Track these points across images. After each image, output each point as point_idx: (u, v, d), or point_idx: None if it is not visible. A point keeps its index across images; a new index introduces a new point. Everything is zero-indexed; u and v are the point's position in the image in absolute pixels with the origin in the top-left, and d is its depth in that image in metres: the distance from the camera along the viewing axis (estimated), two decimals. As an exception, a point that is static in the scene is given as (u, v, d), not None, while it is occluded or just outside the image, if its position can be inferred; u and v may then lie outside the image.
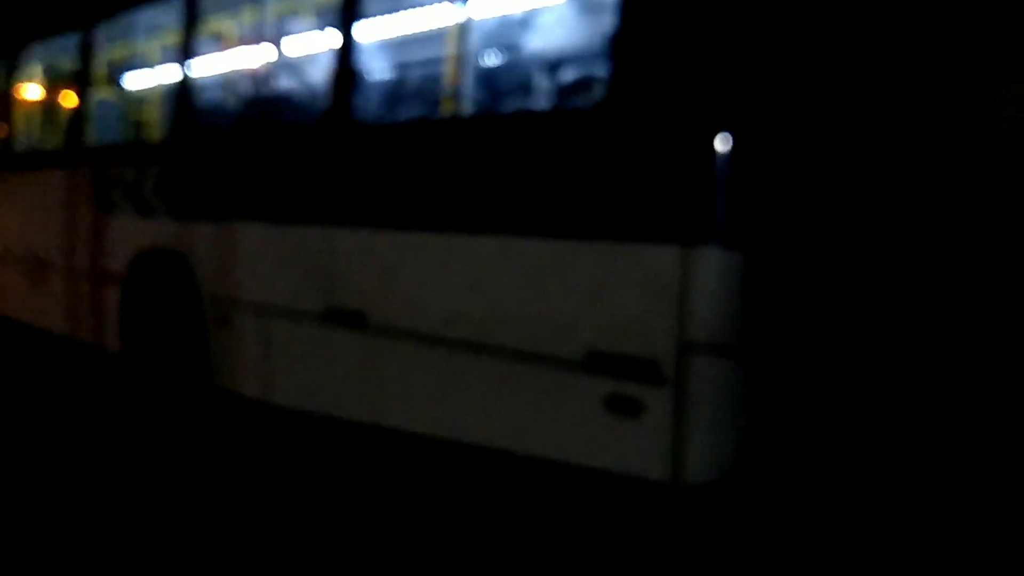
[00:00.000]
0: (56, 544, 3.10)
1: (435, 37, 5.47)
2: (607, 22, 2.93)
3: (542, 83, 3.52)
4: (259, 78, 4.88)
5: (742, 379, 2.66)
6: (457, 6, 3.73)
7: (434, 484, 3.77)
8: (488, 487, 3.68)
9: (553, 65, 4.99)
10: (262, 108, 4.80)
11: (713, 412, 2.67)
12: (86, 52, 5.95)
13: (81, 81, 6.02)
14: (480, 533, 3.32)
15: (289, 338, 4.15)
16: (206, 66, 5.82)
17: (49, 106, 7.48)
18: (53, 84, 7.25)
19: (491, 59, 4.98)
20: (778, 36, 2.71)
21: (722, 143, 2.59)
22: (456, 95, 3.63)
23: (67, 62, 7.20)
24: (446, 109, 3.77)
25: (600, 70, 3.02)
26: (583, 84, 4.22)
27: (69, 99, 6.96)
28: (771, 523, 2.93)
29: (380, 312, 3.66)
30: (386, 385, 3.69)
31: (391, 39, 5.51)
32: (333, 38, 3.98)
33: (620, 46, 2.85)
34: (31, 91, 7.66)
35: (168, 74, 5.38)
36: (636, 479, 2.78)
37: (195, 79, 4.97)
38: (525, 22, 3.89)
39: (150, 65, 6.95)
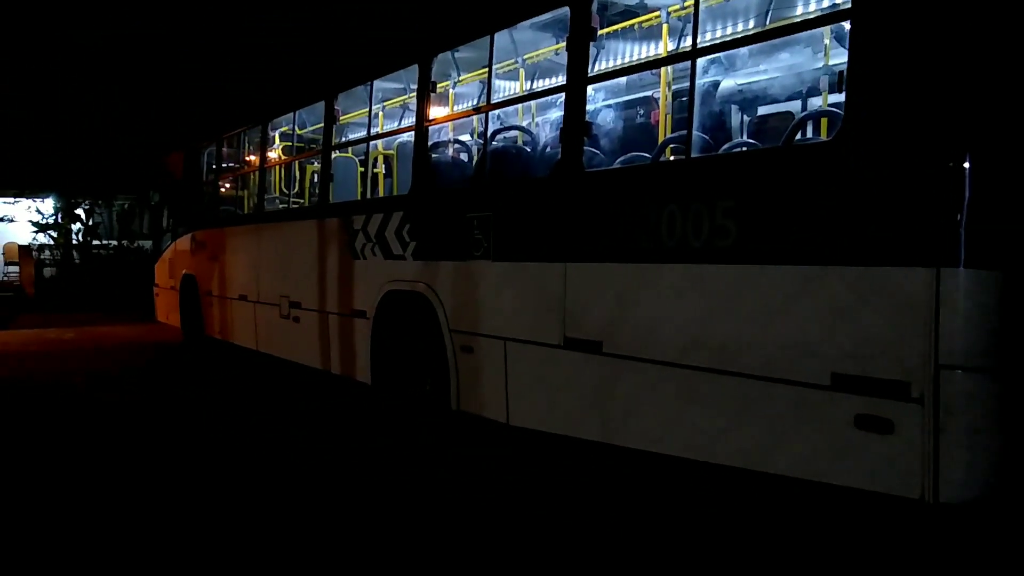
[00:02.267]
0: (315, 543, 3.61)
1: (644, 86, 5.85)
2: (850, 57, 3.09)
3: (779, 122, 3.70)
4: (490, 136, 5.39)
5: (999, 397, 2.69)
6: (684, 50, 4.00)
7: (686, 504, 3.98)
8: (733, 506, 3.84)
9: (793, 98, 5.17)
10: (496, 162, 5.30)
11: (969, 431, 2.72)
12: (329, 118, 6.78)
13: (326, 143, 6.87)
14: (736, 553, 3.48)
15: (527, 365, 4.54)
16: (441, 126, 6.49)
17: (297, 167, 8.55)
18: (299, 148, 8.31)
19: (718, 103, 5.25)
20: (1012, 61, 2.77)
21: (965, 165, 2.68)
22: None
23: (310, 129, 8.27)
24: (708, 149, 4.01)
25: (843, 103, 3.17)
26: (824, 117, 4.37)
27: (315, 160, 7.95)
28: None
29: (615, 342, 3.96)
30: (623, 409, 3.96)
31: (618, 88, 5.92)
32: (565, 94, 4.38)
33: (864, 78, 3.00)
34: (279, 154, 8.81)
35: (409, 135, 6.03)
36: (891, 498, 2.85)
37: (433, 138, 5.57)
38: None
39: (387, 127, 7.81)
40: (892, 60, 2.91)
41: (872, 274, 2.89)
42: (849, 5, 3.11)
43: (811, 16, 4.72)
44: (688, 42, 3.82)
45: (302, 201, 8.47)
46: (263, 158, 8.37)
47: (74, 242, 19.57)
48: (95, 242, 19.49)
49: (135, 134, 17.36)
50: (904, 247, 2.80)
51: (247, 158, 9.36)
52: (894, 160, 2.86)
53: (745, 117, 5.67)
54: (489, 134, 5.32)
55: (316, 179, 7.95)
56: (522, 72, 6.33)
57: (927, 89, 2.80)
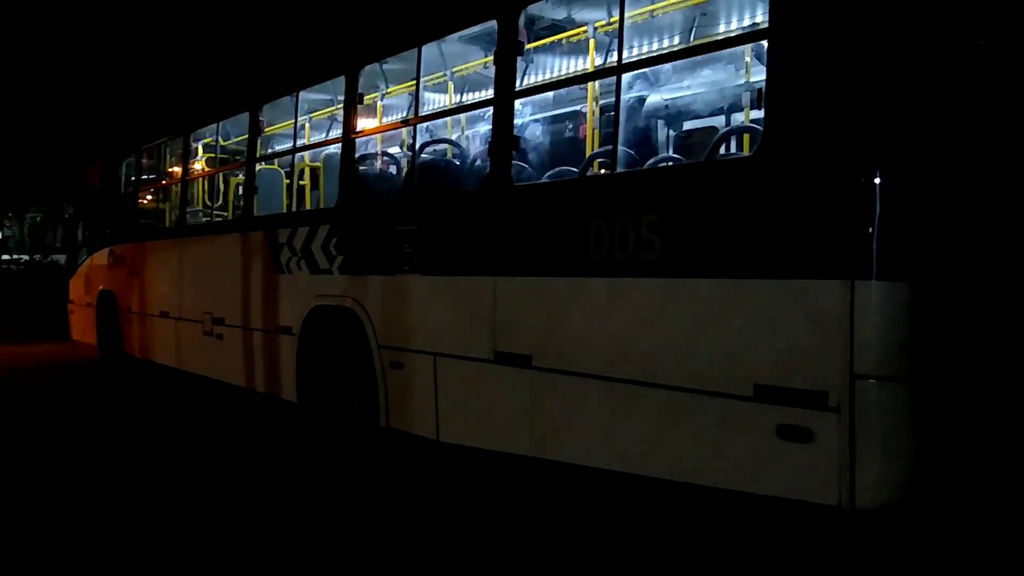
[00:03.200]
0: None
1: (573, 101, 5.91)
2: (767, 75, 3.17)
3: (703, 137, 3.77)
4: (418, 149, 5.35)
5: (910, 404, 2.78)
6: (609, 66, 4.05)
7: (603, 514, 3.99)
8: (657, 516, 3.87)
9: (716, 114, 5.28)
10: (425, 176, 5.26)
11: (882, 438, 2.80)
12: (253, 130, 6.63)
13: (250, 155, 6.70)
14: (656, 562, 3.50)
15: (457, 380, 4.50)
16: (369, 139, 6.42)
17: (220, 179, 8.34)
18: (222, 160, 8.10)
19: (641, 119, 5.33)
20: (919, 78, 2.89)
21: (876, 180, 2.77)
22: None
23: (235, 140, 8.07)
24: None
25: (760, 121, 3.25)
26: (746, 133, 4.48)
27: (237, 172, 7.77)
28: (946, 546, 2.99)
29: (545, 355, 3.96)
30: (554, 423, 3.96)
31: (535, 107, 5.95)
32: (493, 108, 4.38)
33: (781, 95, 3.07)
34: (201, 167, 8.57)
35: (336, 146, 5.95)
36: (810, 505, 2.92)
37: (361, 151, 5.50)
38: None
39: (311, 139, 7.69)
40: (807, 78, 3.00)
41: (791, 287, 2.96)
42: (767, 25, 3.20)
43: (732, 35, 4.87)
44: (614, 57, 3.87)
45: (226, 214, 8.26)
46: (185, 170, 8.14)
47: (-17, 256, 18.69)
48: (5, 256, 18.64)
49: (48, 144, 16.68)
50: (820, 260, 2.87)
51: (169, 170, 9.09)
52: (810, 176, 2.94)
53: (671, 132, 5.78)
54: (418, 147, 5.28)
55: (240, 192, 7.76)
56: (451, 85, 6.32)
57: (839, 107, 2.89)
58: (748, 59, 4.94)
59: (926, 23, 2.88)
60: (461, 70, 6.19)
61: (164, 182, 9.14)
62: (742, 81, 5.12)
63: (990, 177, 3.00)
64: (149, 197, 9.50)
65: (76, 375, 9.49)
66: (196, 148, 8.42)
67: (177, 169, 8.54)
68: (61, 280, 12.04)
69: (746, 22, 5.01)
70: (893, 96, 2.84)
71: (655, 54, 5.19)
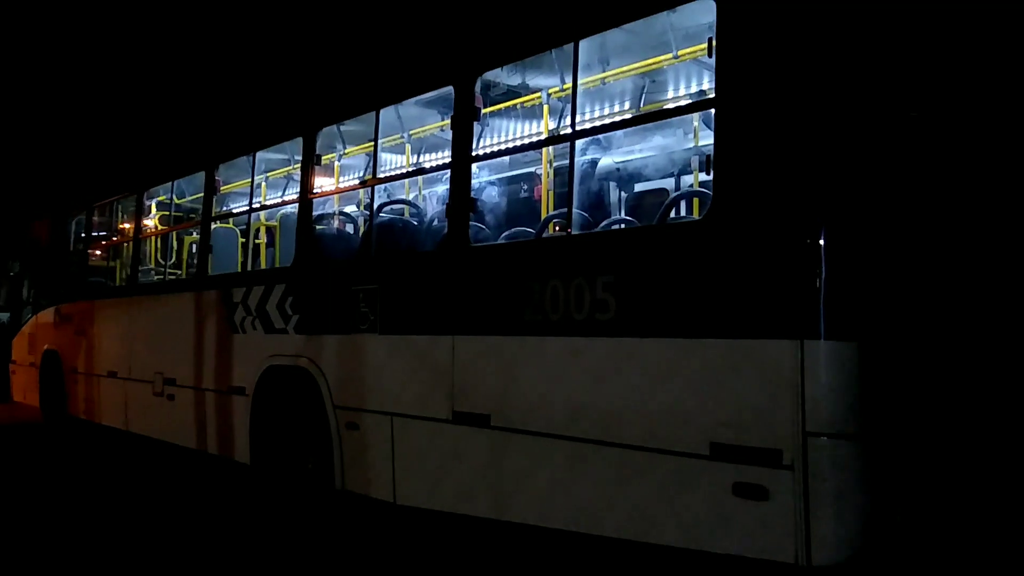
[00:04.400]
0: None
1: (528, 163, 6.04)
2: (715, 142, 3.30)
3: (654, 199, 3.88)
4: (376, 209, 5.39)
5: (864, 462, 2.85)
6: (562, 132, 4.16)
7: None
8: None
9: (667, 176, 5.42)
10: (383, 235, 5.29)
11: (836, 494, 2.85)
12: (209, 189, 6.61)
13: (205, 214, 6.67)
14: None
15: (415, 441, 4.46)
16: (325, 198, 6.45)
17: (174, 237, 8.25)
18: (176, 218, 8.03)
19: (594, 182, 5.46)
20: (859, 145, 3.03)
21: (820, 242, 2.88)
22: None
23: (189, 199, 8.03)
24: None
25: (708, 184, 3.37)
26: (696, 197, 4.61)
27: (191, 231, 7.70)
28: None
29: (504, 414, 3.96)
30: (513, 483, 3.94)
31: (491, 169, 6.07)
32: (450, 171, 4.45)
33: (729, 161, 3.19)
34: (155, 224, 8.48)
35: (293, 206, 5.96)
36: (767, 563, 2.95)
37: (318, 210, 5.52)
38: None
39: (268, 198, 7.68)
40: (752, 145, 3.13)
41: (743, 346, 3.03)
42: (713, 94, 3.35)
43: (681, 103, 5.05)
44: (567, 121, 3.98)
45: (179, 273, 8.16)
46: (138, 228, 8.04)
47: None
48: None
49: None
50: (770, 320, 2.96)
51: (121, 227, 8.96)
52: (757, 238, 3.05)
53: (623, 194, 5.92)
54: (375, 207, 5.32)
55: (195, 250, 7.69)
56: (408, 147, 6.41)
57: (784, 172, 3.01)
58: (696, 124, 5.13)
59: (864, 95, 3.05)
60: (418, 132, 6.30)
61: (115, 239, 9.01)
62: (691, 145, 5.30)
63: (932, 238, 3.14)
64: (99, 255, 9.34)
65: (15, 437, 9.14)
66: (150, 206, 8.34)
67: (129, 226, 8.44)
68: (3, 340, 11.66)
69: (693, 88, 5.21)
70: (834, 161, 2.97)
71: (607, 121, 5.34)
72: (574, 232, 3.94)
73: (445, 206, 4.54)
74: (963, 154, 3.28)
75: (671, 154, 5.52)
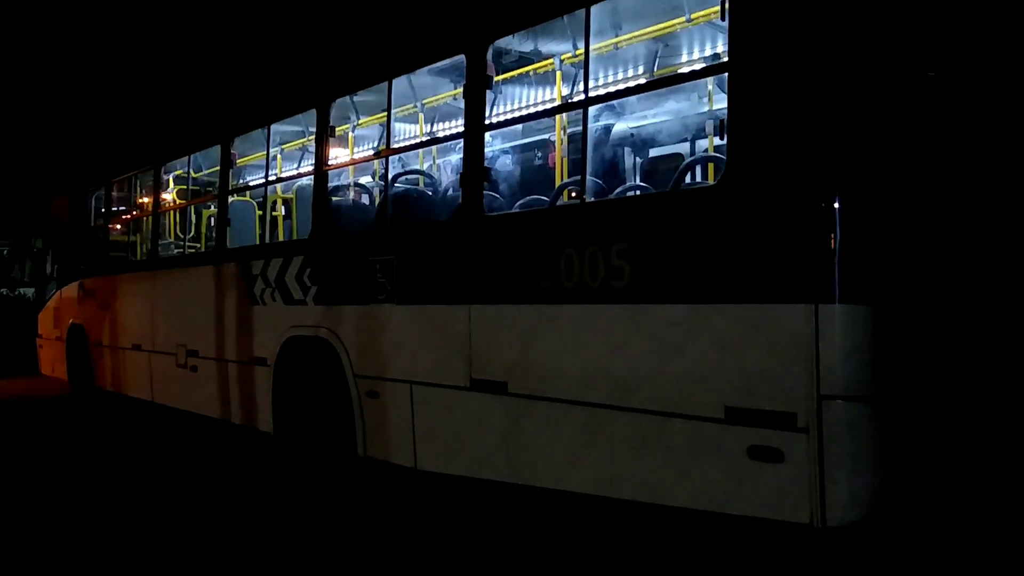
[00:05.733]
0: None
1: (542, 130, 6.01)
2: (729, 106, 3.28)
3: (669, 165, 3.86)
4: (391, 179, 5.41)
5: (876, 423, 2.87)
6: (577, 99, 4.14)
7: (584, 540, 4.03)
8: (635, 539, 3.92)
9: (682, 141, 5.39)
10: (398, 206, 5.32)
11: (852, 456, 2.88)
12: (225, 162, 6.65)
13: (222, 187, 6.72)
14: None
15: (434, 408, 4.53)
16: (342, 170, 6.46)
17: (193, 211, 8.32)
18: (194, 192, 8.10)
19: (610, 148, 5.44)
20: (874, 107, 3.01)
21: (835, 205, 2.87)
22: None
23: (207, 172, 8.08)
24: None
25: (723, 149, 3.36)
26: (710, 162, 4.60)
27: (209, 204, 7.76)
28: (915, 563, 3.08)
29: (520, 382, 4.01)
30: (530, 448, 4.00)
31: (505, 137, 6.05)
32: (463, 140, 4.46)
33: (743, 126, 3.18)
34: (173, 199, 8.56)
35: (308, 178, 5.99)
36: (785, 524, 2.99)
37: (333, 182, 5.54)
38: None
39: (284, 170, 7.72)
40: (766, 109, 3.11)
41: (758, 311, 3.05)
42: (727, 58, 3.32)
43: (695, 67, 5.00)
44: (581, 87, 3.97)
45: (198, 246, 8.24)
46: (156, 202, 8.12)
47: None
48: (-30, 291, 18.30)
49: (15, 176, 16.49)
50: (785, 285, 2.97)
51: (139, 202, 9.05)
52: (773, 203, 3.05)
53: (637, 160, 5.90)
54: (390, 178, 5.34)
55: (213, 224, 7.75)
56: (421, 116, 6.40)
57: (798, 135, 3.00)
58: (710, 88, 5.09)
59: (879, 55, 3.01)
60: (431, 101, 6.28)
61: (135, 214, 9.10)
62: (705, 109, 5.26)
63: (947, 200, 3.13)
64: (119, 229, 9.44)
65: (46, 410, 9.36)
66: (167, 180, 8.41)
67: (148, 201, 8.51)
68: (29, 314, 11.86)
69: (707, 52, 5.15)
70: (849, 124, 2.96)
71: (620, 87, 5.30)
72: (588, 199, 3.95)
73: (459, 176, 4.56)
74: (982, 114, 3.24)
75: (686, 119, 5.48)
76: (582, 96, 3.99)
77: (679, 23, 4.56)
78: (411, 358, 4.69)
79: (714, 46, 5.02)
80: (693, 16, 4.45)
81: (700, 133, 5.35)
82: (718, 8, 3.33)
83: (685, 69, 5.15)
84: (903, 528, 2.97)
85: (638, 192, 4.74)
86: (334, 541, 4.34)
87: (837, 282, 2.85)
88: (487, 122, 4.47)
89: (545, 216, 4.29)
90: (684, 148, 5.62)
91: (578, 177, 4.12)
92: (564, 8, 4.10)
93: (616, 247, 3.53)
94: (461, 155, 4.61)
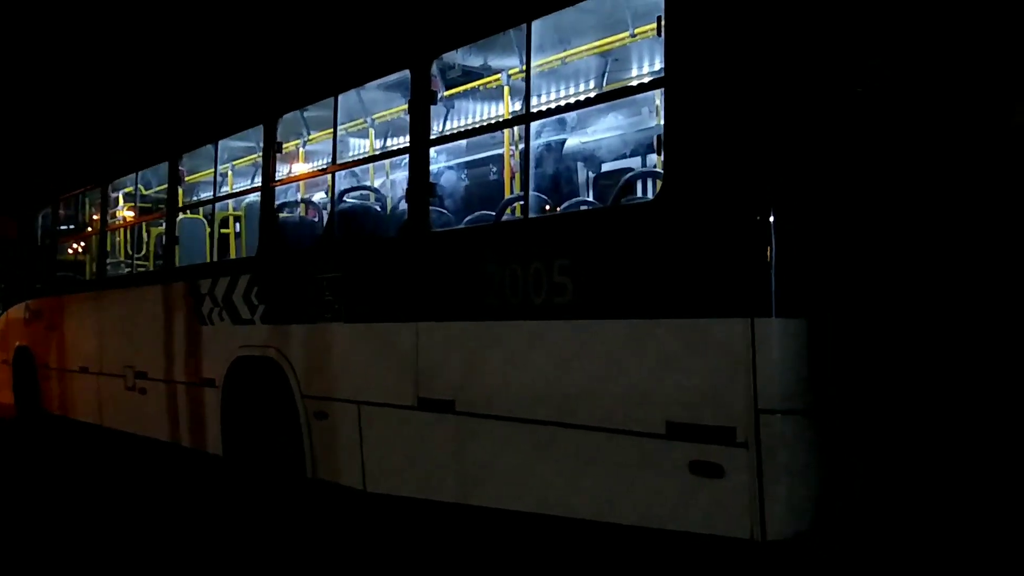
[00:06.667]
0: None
1: (496, 144, 6.00)
2: (665, 121, 3.28)
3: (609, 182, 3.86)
4: (338, 196, 5.35)
5: (816, 438, 2.87)
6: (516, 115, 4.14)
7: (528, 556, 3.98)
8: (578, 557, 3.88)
9: (635, 155, 5.40)
10: (346, 222, 5.26)
11: (790, 471, 2.87)
12: (173, 179, 6.53)
13: (170, 205, 6.60)
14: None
15: (382, 428, 4.46)
16: (292, 186, 6.38)
17: (143, 229, 8.17)
18: (143, 210, 7.95)
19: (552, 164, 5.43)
20: (806, 122, 3.02)
21: (770, 219, 2.87)
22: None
23: (156, 189, 7.94)
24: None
25: (659, 166, 3.36)
26: (644, 180, 4.61)
27: (160, 222, 7.62)
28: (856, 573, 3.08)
29: (467, 400, 3.96)
30: (478, 467, 3.95)
31: (458, 151, 6.03)
32: (409, 155, 4.42)
33: (678, 141, 3.18)
34: (122, 216, 8.40)
35: (255, 194, 5.91)
36: (727, 540, 2.97)
37: (282, 198, 5.47)
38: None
39: (235, 187, 7.61)
40: (700, 124, 3.12)
41: (697, 326, 3.04)
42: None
43: (645, 80, 5.02)
44: (533, 102, 3.95)
45: (147, 265, 8.08)
46: (104, 221, 7.95)
47: None
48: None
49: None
50: (722, 299, 2.96)
51: (88, 220, 8.86)
52: (708, 217, 3.05)
53: (590, 174, 5.90)
54: (337, 194, 5.28)
55: (162, 242, 7.61)
56: (372, 131, 6.36)
57: (732, 151, 3.00)
58: (659, 103, 5.10)
59: (810, 72, 3.04)
60: (382, 116, 6.24)
61: (83, 233, 8.91)
62: (654, 123, 5.28)
63: (880, 213, 3.15)
64: (68, 249, 9.24)
65: (-9, 436, 9.08)
66: (116, 198, 8.24)
67: (96, 219, 8.34)
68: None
69: (657, 66, 5.17)
70: (783, 139, 2.96)
71: (563, 102, 5.32)
72: (532, 215, 3.93)
73: (406, 192, 4.51)
74: (912, 129, 3.28)
75: (636, 133, 5.50)
76: (523, 112, 3.97)
77: (623, 38, 4.58)
78: (359, 377, 4.62)
79: (662, 61, 5.04)
80: (636, 31, 4.47)
81: (651, 148, 5.36)
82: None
83: (634, 83, 5.17)
84: (844, 540, 2.96)
85: (582, 207, 4.73)
86: (278, 564, 4.24)
87: (773, 296, 2.85)
88: (432, 137, 4.44)
89: (488, 232, 4.26)
90: (636, 163, 5.63)
91: (521, 193, 4.10)
92: (506, 24, 4.09)
93: (558, 263, 3.51)
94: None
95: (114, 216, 8.26)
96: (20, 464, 7.39)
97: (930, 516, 3.07)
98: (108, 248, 8.20)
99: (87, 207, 8.77)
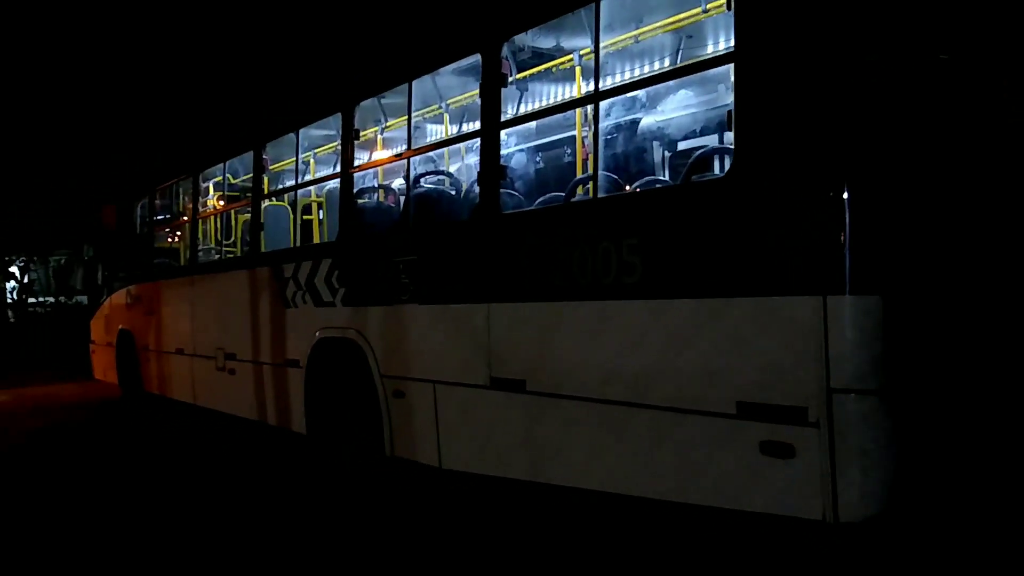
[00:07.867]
0: None
1: (569, 126, 5.99)
2: (735, 98, 3.23)
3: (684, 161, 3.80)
4: (413, 180, 5.44)
5: (889, 418, 2.80)
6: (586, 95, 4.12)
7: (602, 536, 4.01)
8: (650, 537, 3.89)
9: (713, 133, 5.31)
10: (421, 207, 5.36)
11: (863, 451, 2.81)
12: (257, 168, 6.79)
13: (255, 193, 6.86)
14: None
15: (456, 407, 4.55)
16: (370, 172, 6.53)
17: (232, 216, 8.51)
18: (230, 198, 8.28)
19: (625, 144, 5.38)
20: (883, 95, 2.92)
21: (844, 196, 2.80)
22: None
23: (243, 178, 8.25)
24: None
25: (733, 143, 3.31)
26: (719, 156, 4.54)
27: (247, 209, 7.92)
28: (928, 557, 2.99)
29: (538, 379, 4.00)
30: (549, 446, 4.00)
31: (532, 135, 6.03)
32: (480, 139, 4.47)
33: (749, 117, 3.14)
34: (211, 205, 8.76)
35: (335, 181, 6.07)
36: (795, 520, 2.93)
37: (360, 184, 5.61)
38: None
39: (321, 173, 7.82)
40: (773, 100, 3.05)
41: (768, 304, 2.99)
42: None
43: (705, 58, 4.92)
44: (605, 82, 3.94)
45: (235, 251, 8.42)
46: (195, 209, 8.32)
47: (8, 300, 19.06)
48: (31, 300, 19.02)
49: (70, 186, 17.07)
50: (793, 277, 2.91)
51: (181, 209, 9.28)
52: (780, 194, 2.99)
53: (666, 153, 5.83)
54: (412, 179, 5.38)
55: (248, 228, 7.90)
56: (447, 116, 6.44)
57: (806, 126, 2.94)
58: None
59: (887, 40, 2.93)
60: (457, 101, 6.31)
61: (177, 221, 9.34)
62: (730, 100, 5.16)
63: (958, 189, 3.03)
64: (163, 236, 9.70)
65: (97, 415, 9.66)
66: (206, 187, 8.61)
67: (188, 208, 8.73)
68: (85, 321, 12.27)
69: (732, 42, 5.06)
70: (858, 113, 2.88)
71: (634, 80, 5.25)
72: (601, 195, 3.92)
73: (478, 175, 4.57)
74: (994, 98, 3.13)
75: (712, 111, 5.40)
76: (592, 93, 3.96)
77: (695, 14, 4.50)
78: (434, 357, 4.72)
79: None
80: (709, 7, 4.39)
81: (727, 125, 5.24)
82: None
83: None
84: (916, 523, 2.88)
85: (657, 186, 4.69)
86: (356, 538, 4.40)
87: (846, 273, 2.79)
88: (504, 120, 4.47)
89: (557, 213, 4.28)
90: (713, 140, 5.52)
91: (590, 174, 4.10)
92: (574, 4, 4.08)
93: (627, 243, 3.51)
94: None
95: (205, 204, 8.62)
96: (132, 444, 7.85)
97: (1005, 505, 2.95)
98: (199, 235, 8.57)
99: (180, 197, 9.19)
